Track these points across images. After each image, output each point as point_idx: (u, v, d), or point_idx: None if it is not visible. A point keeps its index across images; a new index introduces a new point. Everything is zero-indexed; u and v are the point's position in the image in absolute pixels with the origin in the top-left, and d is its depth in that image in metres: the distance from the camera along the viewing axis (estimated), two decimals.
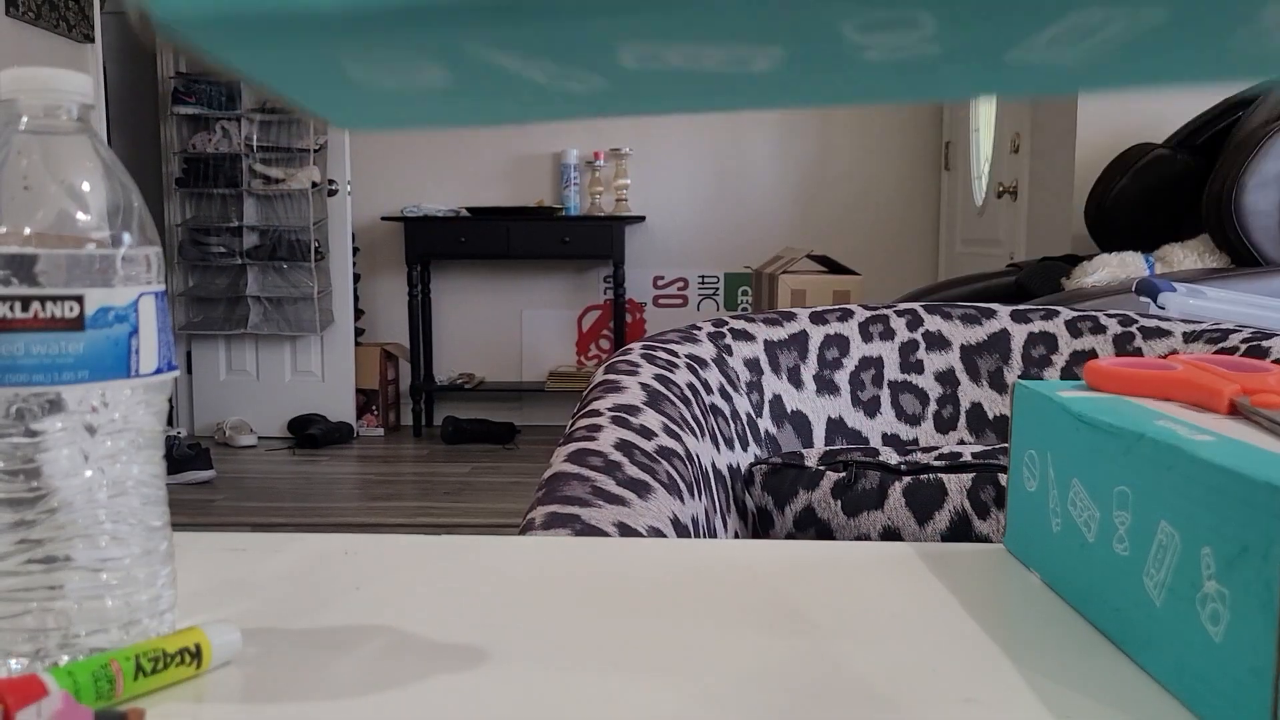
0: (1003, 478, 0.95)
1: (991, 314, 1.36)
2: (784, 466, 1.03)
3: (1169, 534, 0.37)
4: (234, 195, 4.34)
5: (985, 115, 4.02)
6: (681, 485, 0.85)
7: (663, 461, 0.86)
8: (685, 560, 0.52)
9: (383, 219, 4.56)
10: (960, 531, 0.94)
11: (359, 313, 4.63)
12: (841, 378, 1.31)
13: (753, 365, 1.26)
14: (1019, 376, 1.33)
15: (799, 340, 1.32)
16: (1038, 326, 1.34)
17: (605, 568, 0.51)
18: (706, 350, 1.21)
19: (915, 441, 1.31)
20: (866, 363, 1.33)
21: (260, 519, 3.14)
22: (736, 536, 1.04)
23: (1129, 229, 2.62)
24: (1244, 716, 0.32)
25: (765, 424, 1.23)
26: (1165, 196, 2.58)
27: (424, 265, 4.56)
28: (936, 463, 0.98)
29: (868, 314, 1.36)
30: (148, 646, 0.36)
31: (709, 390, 1.13)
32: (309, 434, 4.22)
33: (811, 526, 0.99)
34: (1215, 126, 2.53)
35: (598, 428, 0.89)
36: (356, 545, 0.54)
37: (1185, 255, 2.32)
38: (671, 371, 1.09)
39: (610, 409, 0.94)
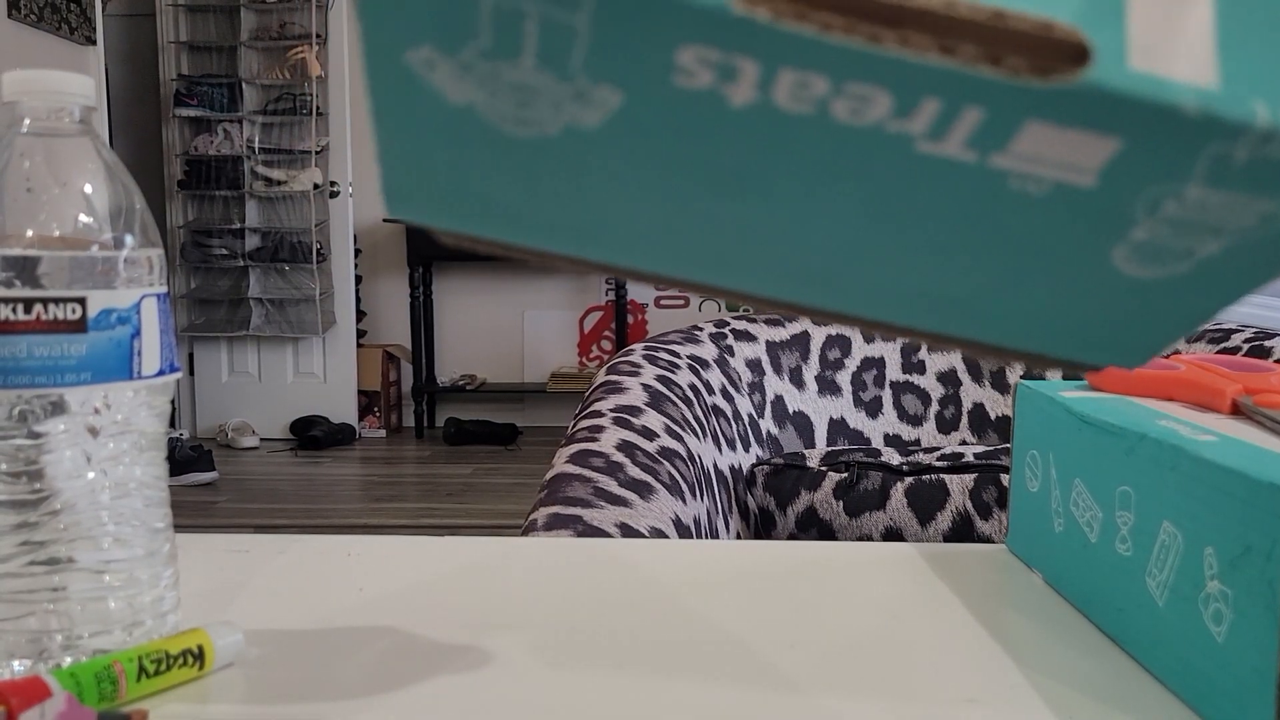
0: (1005, 478, 0.95)
1: None
2: (786, 467, 1.03)
3: (1171, 534, 0.37)
4: (236, 197, 4.34)
5: None
6: (683, 486, 0.85)
7: (665, 462, 0.86)
8: (687, 561, 0.52)
9: (385, 220, 4.56)
10: (962, 532, 0.94)
11: (361, 314, 4.63)
12: (843, 378, 1.31)
13: (754, 366, 1.26)
14: (1021, 377, 1.33)
15: (801, 341, 1.32)
16: None
17: (607, 569, 0.51)
18: (708, 351, 1.21)
19: (917, 442, 1.31)
20: (868, 363, 1.33)
21: (263, 520, 3.14)
22: (738, 537, 1.04)
23: None
24: (1247, 717, 0.32)
25: (767, 425, 1.23)
26: None
27: (426, 267, 4.56)
28: (938, 463, 0.98)
29: None
30: (151, 648, 0.36)
31: (711, 391, 1.13)
32: (311, 435, 4.22)
33: (813, 527, 0.99)
34: None
35: (600, 429, 0.89)
36: (359, 546, 0.54)
37: None
38: (673, 372, 1.09)
39: (612, 410, 0.94)
